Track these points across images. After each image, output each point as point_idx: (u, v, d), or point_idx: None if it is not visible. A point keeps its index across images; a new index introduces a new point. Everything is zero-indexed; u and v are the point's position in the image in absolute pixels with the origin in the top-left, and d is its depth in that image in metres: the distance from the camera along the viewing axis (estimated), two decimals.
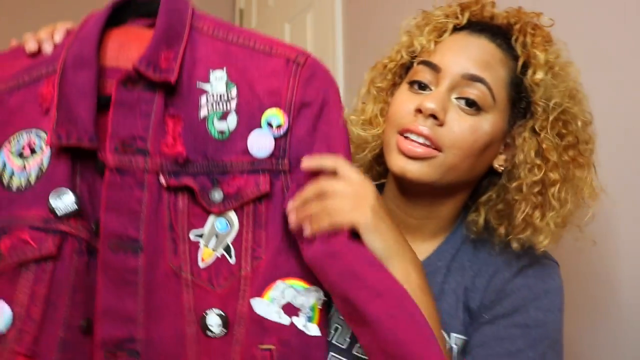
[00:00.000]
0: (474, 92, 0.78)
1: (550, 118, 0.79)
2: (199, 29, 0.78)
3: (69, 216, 0.70)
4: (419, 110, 0.78)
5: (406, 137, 0.79)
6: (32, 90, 0.74)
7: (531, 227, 0.80)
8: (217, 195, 0.74)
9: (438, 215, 0.86)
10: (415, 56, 0.85)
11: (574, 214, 0.82)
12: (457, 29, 0.84)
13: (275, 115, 0.76)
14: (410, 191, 0.85)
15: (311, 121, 0.76)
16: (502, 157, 0.83)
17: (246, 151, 0.75)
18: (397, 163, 0.79)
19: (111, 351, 0.69)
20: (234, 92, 0.76)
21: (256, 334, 0.73)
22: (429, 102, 0.77)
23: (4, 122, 0.74)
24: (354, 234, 0.71)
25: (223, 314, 0.73)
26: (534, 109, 0.80)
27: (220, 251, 0.74)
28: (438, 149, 0.78)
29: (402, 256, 0.73)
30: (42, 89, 0.74)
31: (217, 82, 0.76)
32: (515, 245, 0.81)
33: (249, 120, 0.75)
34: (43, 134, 0.73)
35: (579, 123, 0.81)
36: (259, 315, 0.73)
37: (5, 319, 0.68)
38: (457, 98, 0.79)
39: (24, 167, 0.72)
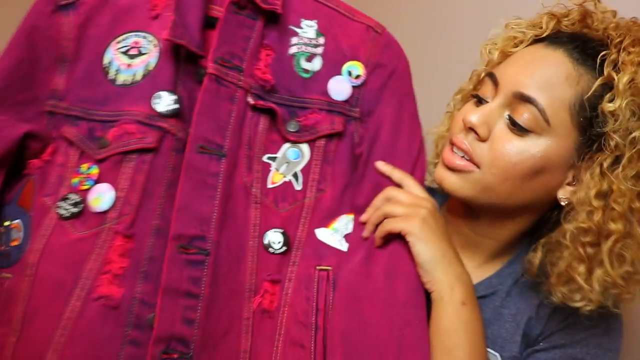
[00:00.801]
0: (524, 113, 0.72)
1: (627, 155, 0.69)
2: None
3: (169, 115, 0.74)
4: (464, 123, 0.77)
5: (452, 149, 0.79)
6: None
7: (573, 282, 0.73)
8: (293, 126, 0.79)
9: (497, 237, 0.83)
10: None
11: None
12: (539, 39, 0.79)
13: (355, 66, 0.83)
14: (467, 206, 0.83)
15: (384, 79, 0.84)
16: (569, 189, 0.75)
17: (325, 92, 0.81)
18: (438, 172, 0.80)
19: (184, 246, 0.71)
20: (321, 40, 0.83)
21: (314, 257, 0.76)
22: (473, 115, 0.75)
23: (115, 20, 0.78)
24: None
25: (285, 232, 0.76)
26: (605, 142, 0.71)
27: (289, 177, 0.78)
28: (477, 165, 0.76)
29: (447, 269, 0.72)
30: None
31: (308, 29, 0.83)
32: (555, 298, 0.75)
33: (332, 67, 0.82)
34: (151, 37, 0.77)
35: None
36: (319, 242, 0.77)
37: (109, 199, 0.72)
38: (508, 115, 0.74)
39: (130, 65, 0.76)
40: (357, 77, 0.83)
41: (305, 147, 0.80)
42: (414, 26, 0.88)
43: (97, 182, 0.72)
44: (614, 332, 0.78)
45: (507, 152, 0.73)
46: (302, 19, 0.83)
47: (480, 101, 0.78)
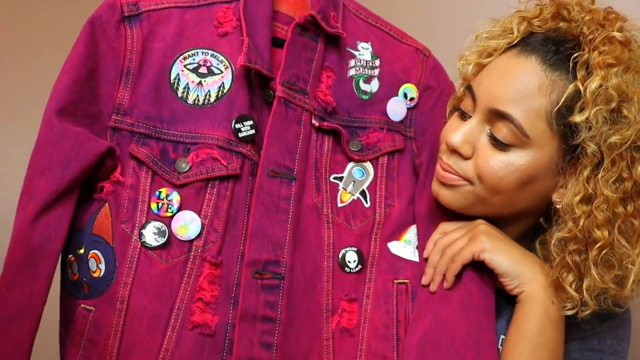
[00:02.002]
0: (502, 129, 0.71)
1: (606, 161, 0.68)
2: (347, 6, 0.88)
3: (248, 141, 0.74)
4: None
5: (443, 165, 0.78)
6: (206, 12, 0.78)
7: (564, 291, 0.72)
8: (355, 145, 0.81)
9: None
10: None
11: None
12: (512, 45, 0.76)
13: (410, 88, 0.86)
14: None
15: (433, 101, 0.87)
16: (562, 191, 0.74)
17: (384, 113, 0.84)
18: (433, 186, 0.79)
19: (259, 272, 0.70)
20: (377, 62, 0.85)
21: (390, 272, 0.77)
22: (454, 136, 0.74)
23: (180, 35, 0.76)
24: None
25: (360, 251, 0.76)
26: (582, 149, 0.69)
27: (357, 195, 0.80)
28: (469, 180, 0.75)
29: (534, 268, 0.73)
30: (219, 14, 0.78)
31: (364, 51, 0.86)
32: None
33: (388, 89, 0.85)
34: (221, 57, 0.76)
35: None
36: (393, 255, 0.78)
37: (196, 227, 0.70)
38: (489, 131, 0.73)
39: (201, 83, 0.75)
40: (411, 99, 0.86)
41: (369, 165, 0.81)
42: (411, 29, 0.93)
43: (180, 208, 0.71)
44: (627, 322, 0.80)
45: (492, 168, 0.72)
46: (358, 41, 0.86)
47: (463, 114, 0.77)
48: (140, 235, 0.69)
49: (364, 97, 0.83)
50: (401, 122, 0.85)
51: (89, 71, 0.72)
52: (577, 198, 0.70)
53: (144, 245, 0.69)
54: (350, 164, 0.81)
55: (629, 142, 0.68)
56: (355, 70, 0.84)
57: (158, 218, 0.70)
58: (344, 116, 0.82)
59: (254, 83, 0.77)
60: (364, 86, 0.83)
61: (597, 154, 0.68)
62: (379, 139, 0.82)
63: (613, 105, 0.68)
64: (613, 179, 0.69)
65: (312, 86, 0.79)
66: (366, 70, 0.84)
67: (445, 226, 0.79)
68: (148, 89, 0.74)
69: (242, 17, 0.76)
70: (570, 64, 0.70)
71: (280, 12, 0.82)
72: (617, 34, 0.70)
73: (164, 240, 0.69)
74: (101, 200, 0.72)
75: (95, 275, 0.69)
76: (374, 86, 0.84)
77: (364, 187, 0.80)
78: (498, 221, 0.79)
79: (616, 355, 0.78)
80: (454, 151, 0.75)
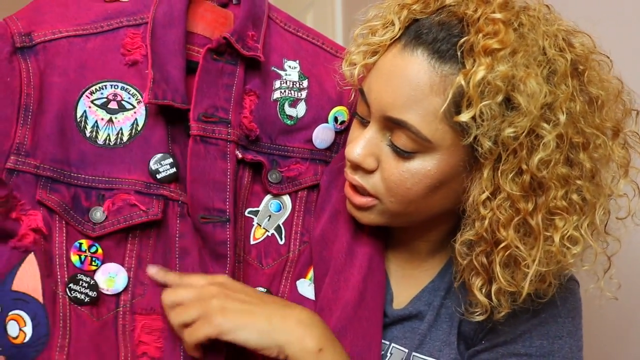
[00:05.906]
0: (401, 136, 0.65)
1: (504, 156, 0.63)
2: (274, 19, 0.80)
3: (169, 181, 0.69)
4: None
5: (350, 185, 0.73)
6: (111, 38, 0.71)
7: (473, 296, 0.68)
8: (274, 176, 0.76)
9: (429, 239, 0.79)
10: None
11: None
12: (397, 39, 0.68)
13: (342, 112, 0.80)
14: None
15: None
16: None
17: (309, 141, 0.79)
18: (348, 208, 0.75)
19: None
20: (305, 83, 0.79)
21: None
22: (354, 149, 0.68)
23: (83, 67, 0.69)
24: None
25: (269, 291, 0.75)
26: (480, 146, 0.63)
27: (272, 231, 0.77)
28: (376, 197, 0.70)
29: (284, 326, 0.64)
30: (125, 41, 0.71)
31: (291, 71, 0.79)
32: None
33: (317, 112, 0.79)
34: (132, 90, 0.70)
35: (549, 146, 0.62)
36: (299, 295, 0.76)
37: (123, 280, 0.67)
38: (390, 140, 0.67)
39: (111, 120, 0.69)
40: (342, 123, 0.80)
41: (287, 199, 0.78)
42: None
43: (104, 261, 0.67)
44: (562, 316, 0.71)
45: (399, 179, 0.67)
46: (285, 60, 0.79)
47: (362, 120, 0.70)
48: (68, 290, 0.65)
49: (288, 122, 0.78)
50: (328, 148, 0.80)
51: None
52: (482, 197, 0.64)
53: (73, 300, 0.65)
54: (268, 197, 0.77)
55: (526, 132, 0.61)
56: (280, 92, 0.78)
57: (82, 271, 0.66)
58: (266, 143, 0.77)
59: (173, 115, 0.71)
60: (289, 110, 0.78)
61: (494, 149, 0.62)
62: (300, 173, 0.78)
63: (501, 97, 0.60)
64: (513, 173, 0.63)
65: (235, 113, 0.74)
66: (292, 92, 0.78)
67: (170, 296, 0.67)
68: (52, 129, 0.67)
69: (148, 45, 0.70)
70: (459, 53, 0.62)
71: (196, 34, 0.74)
72: (497, 15, 0.61)
73: (95, 294, 0.66)
74: (26, 250, 0.65)
75: (17, 341, 0.63)
76: (300, 110, 0.78)
77: (280, 222, 0.78)
78: (424, 224, 0.75)
79: (549, 357, 0.70)
80: (357, 166, 0.69)
